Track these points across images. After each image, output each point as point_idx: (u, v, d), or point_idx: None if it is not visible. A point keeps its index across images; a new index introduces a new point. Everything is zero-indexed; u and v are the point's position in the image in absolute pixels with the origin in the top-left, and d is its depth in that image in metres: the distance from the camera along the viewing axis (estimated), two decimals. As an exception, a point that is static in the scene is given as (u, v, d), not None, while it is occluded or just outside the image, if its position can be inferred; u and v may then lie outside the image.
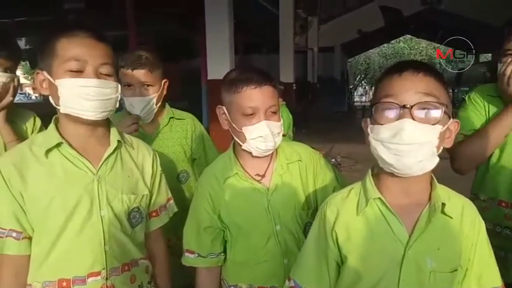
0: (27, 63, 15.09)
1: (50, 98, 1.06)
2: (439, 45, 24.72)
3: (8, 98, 1.47)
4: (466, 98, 1.55)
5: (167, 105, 1.73)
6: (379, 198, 0.93)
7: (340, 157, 7.27)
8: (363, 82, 32.02)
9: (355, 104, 24.50)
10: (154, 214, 1.26)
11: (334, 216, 0.99)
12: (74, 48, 1.01)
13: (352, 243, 0.95)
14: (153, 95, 1.59)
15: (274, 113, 1.20)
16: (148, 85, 1.58)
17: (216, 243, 1.29)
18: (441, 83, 0.90)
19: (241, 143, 1.21)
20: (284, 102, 4.78)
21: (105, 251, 1.09)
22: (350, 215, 0.97)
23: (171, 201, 1.32)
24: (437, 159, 0.88)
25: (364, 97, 32.23)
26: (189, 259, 1.31)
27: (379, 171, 0.96)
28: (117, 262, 1.12)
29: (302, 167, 1.29)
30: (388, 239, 0.92)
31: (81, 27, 1.04)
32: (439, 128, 0.85)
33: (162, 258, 1.31)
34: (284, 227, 1.25)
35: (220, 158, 1.36)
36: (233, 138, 1.26)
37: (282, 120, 1.23)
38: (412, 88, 0.86)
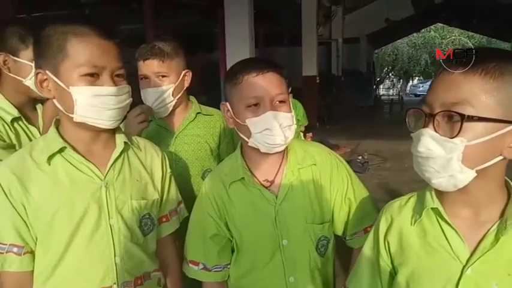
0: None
1: (55, 101, 0.99)
2: (473, 33, 23.70)
3: None
4: None
5: (194, 100, 1.68)
6: (436, 208, 0.85)
7: (367, 154, 7.08)
8: (390, 74, 31.06)
9: (382, 97, 23.73)
10: (164, 219, 1.21)
11: (388, 224, 0.94)
12: (89, 52, 0.95)
13: (405, 256, 0.90)
14: (168, 86, 1.53)
15: (283, 102, 1.09)
16: (162, 76, 1.52)
17: (223, 254, 1.21)
18: (494, 77, 0.74)
19: (247, 139, 1.11)
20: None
21: (116, 264, 1.04)
22: (404, 225, 0.91)
23: (182, 205, 1.27)
24: (470, 175, 0.77)
25: (391, 90, 31.30)
26: (192, 271, 1.22)
27: None
28: (129, 276, 1.07)
29: (316, 173, 1.16)
30: (445, 255, 0.84)
31: (86, 22, 0.97)
32: (460, 141, 0.75)
33: (174, 267, 1.25)
34: (293, 242, 1.14)
35: (227, 159, 1.26)
36: (239, 136, 1.16)
37: (293, 112, 1.13)
38: (440, 92, 0.78)
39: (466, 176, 0.77)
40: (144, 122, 1.46)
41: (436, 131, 0.77)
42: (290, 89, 4.51)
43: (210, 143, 1.64)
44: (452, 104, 0.76)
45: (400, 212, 0.94)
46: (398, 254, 0.91)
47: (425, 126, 0.79)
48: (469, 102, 0.75)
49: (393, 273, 0.94)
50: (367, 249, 1.00)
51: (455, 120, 0.75)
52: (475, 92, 0.74)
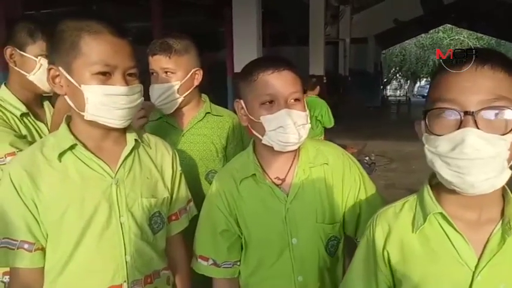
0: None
1: (67, 98, 0.99)
2: (481, 35, 23.45)
3: None
4: None
5: (206, 99, 1.65)
6: (441, 213, 0.82)
7: (374, 155, 7.05)
8: (397, 75, 30.85)
9: (389, 98, 23.58)
10: (174, 217, 1.19)
11: (386, 233, 0.89)
12: (102, 50, 0.94)
13: (408, 266, 0.85)
14: (174, 83, 1.50)
15: (298, 100, 1.09)
16: (169, 72, 1.50)
17: (233, 250, 1.20)
18: None
19: (260, 137, 1.11)
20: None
21: (126, 262, 1.03)
22: (404, 232, 0.87)
23: (191, 204, 1.26)
24: (508, 173, 0.74)
25: (398, 91, 31.10)
26: (201, 266, 1.21)
27: (439, 182, 0.82)
28: (139, 274, 1.06)
29: (328, 172, 1.15)
30: (452, 262, 0.81)
31: (100, 20, 0.96)
32: (511, 138, 0.72)
33: (183, 265, 1.24)
34: (302, 241, 1.13)
35: (239, 156, 1.26)
36: (252, 134, 1.15)
37: (307, 111, 1.12)
38: (475, 88, 0.73)
39: (506, 174, 0.74)
40: (144, 118, 1.44)
41: (478, 129, 0.72)
42: (318, 89, 4.51)
43: (216, 144, 1.61)
44: (491, 100, 0.72)
45: (396, 220, 0.89)
46: (400, 265, 0.87)
47: (462, 126, 0.72)
48: (506, 97, 0.73)
49: (392, 286, 0.91)
50: (359, 263, 0.95)
51: (500, 117, 0.72)
52: (508, 85, 0.73)
